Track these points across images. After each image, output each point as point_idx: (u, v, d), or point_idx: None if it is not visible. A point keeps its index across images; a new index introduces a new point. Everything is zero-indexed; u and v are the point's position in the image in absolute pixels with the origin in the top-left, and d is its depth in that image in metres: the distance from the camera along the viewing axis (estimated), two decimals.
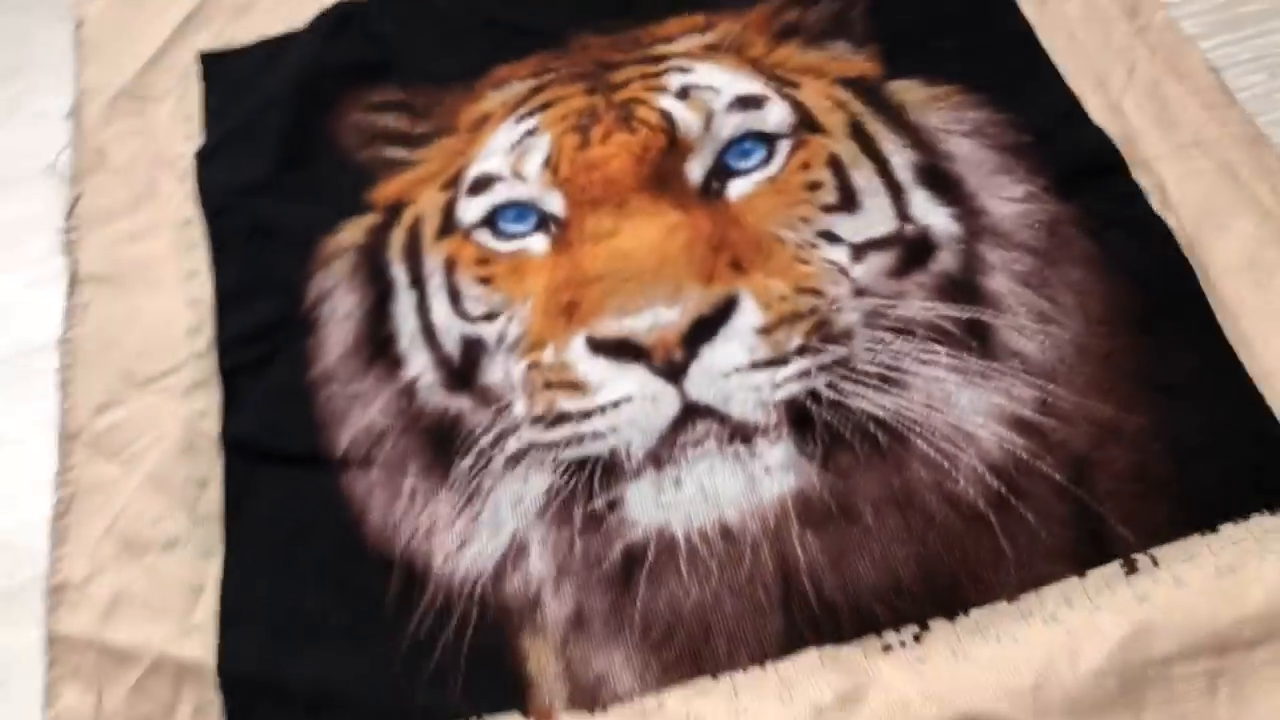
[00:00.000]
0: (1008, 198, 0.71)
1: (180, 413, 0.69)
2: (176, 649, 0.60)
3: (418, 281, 0.73)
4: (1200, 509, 0.59)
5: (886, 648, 0.57)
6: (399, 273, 0.74)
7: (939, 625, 0.58)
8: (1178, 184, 0.71)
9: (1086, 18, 0.80)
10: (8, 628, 0.63)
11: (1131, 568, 0.58)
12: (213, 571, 0.63)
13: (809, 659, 0.57)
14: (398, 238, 0.75)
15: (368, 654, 0.59)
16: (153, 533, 0.64)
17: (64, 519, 0.66)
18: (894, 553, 0.60)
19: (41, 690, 0.60)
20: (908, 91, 0.77)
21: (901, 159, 0.74)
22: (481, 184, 0.76)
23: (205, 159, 0.80)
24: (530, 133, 0.78)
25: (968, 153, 0.74)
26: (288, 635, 0.60)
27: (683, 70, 0.80)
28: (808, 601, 0.59)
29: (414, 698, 0.58)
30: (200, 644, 0.60)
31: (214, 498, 0.66)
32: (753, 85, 0.78)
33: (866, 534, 0.60)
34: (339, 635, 0.60)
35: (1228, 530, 0.59)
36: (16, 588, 0.65)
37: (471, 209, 0.75)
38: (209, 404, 0.69)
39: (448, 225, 0.75)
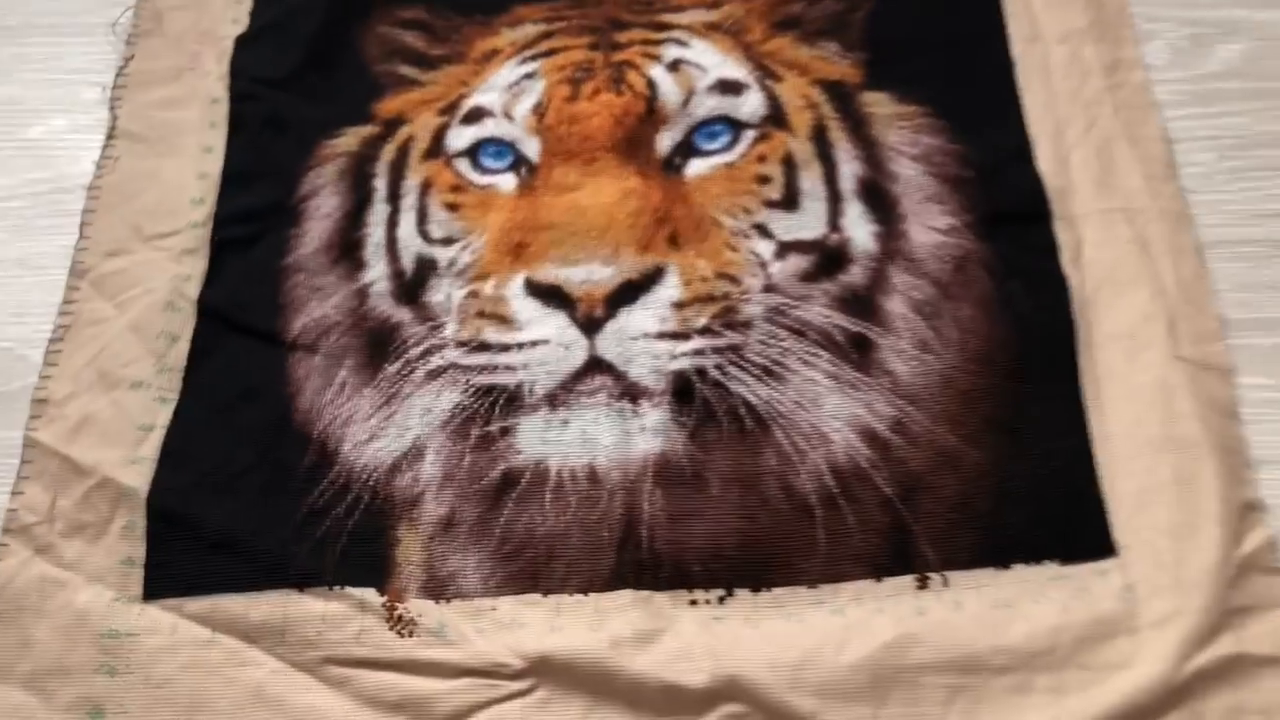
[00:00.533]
0: (932, 227, 0.77)
1: (170, 272, 0.79)
2: (120, 474, 0.71)
3: (394, 197, 0.81)
4: (1001, 546, 0.66)
5: (692, 603, 0.66)
6: (380, 185, 0.82)
7: (742, 594, 0.66)
8: (1094, 245, 0.75)
9: (1067, 64, 0.83)
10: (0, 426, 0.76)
11: (923, 584, 0.66)
12: (164, 416, 0.74)
13: (624, 598, 0.66)
14: (388, 152, 0.83)
15: (271, 512, 0.70)
16: (124, 372, 0.75)
17: (58, 344, 0.77)
18: (724, 524, 0.68)
19: (13, 481, 0.73)
20: (878, 105, 0.82)
21: (850, 169, 0.79)
22: (474, 116, 0.84)
23: (242, 45, 0.89)
24: (529, 76, 0.85)
25: (911, 176, 0.79)
26: (211, 482, 0.71)
27: (680, 43, 0.85)
28: (639, 549, 0.68)
29: (297, 557, 0.68)
30: (139, 474, 0.71)
31: (180, 353, 0.76)
32: (738, 71, 0.84)
33: (707, 502, 0.69)
34: (252, 491, 0.71)
35: (1018, 570, 0.66)
36: (13, 392, 0.76)
37: (460, 138, 0.83)
38: (195, 270, 0.79)
39: (435, 149, 0.83)
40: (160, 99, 0.88)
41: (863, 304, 0.74)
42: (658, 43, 0.85)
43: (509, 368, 0.73)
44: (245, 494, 0.71)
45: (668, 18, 0.87)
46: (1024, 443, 0.69)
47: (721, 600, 0.66)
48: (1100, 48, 0.83)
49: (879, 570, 0.66)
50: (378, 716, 0.64)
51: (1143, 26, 0.84)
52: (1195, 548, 0.64)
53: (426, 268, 0.78)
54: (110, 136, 0.86)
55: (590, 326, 0.74)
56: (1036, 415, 0.70)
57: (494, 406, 0.72)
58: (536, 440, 0.71)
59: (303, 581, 0.67)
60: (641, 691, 0.63)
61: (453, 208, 0.80)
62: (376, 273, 0.79)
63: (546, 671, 0.64)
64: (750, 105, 0.82)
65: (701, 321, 0.73)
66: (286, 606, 0.67)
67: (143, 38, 0.91)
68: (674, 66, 0.84)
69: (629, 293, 0.75)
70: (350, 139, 0.84)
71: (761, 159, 0.80)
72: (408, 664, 0.65)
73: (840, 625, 0.64)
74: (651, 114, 0.81)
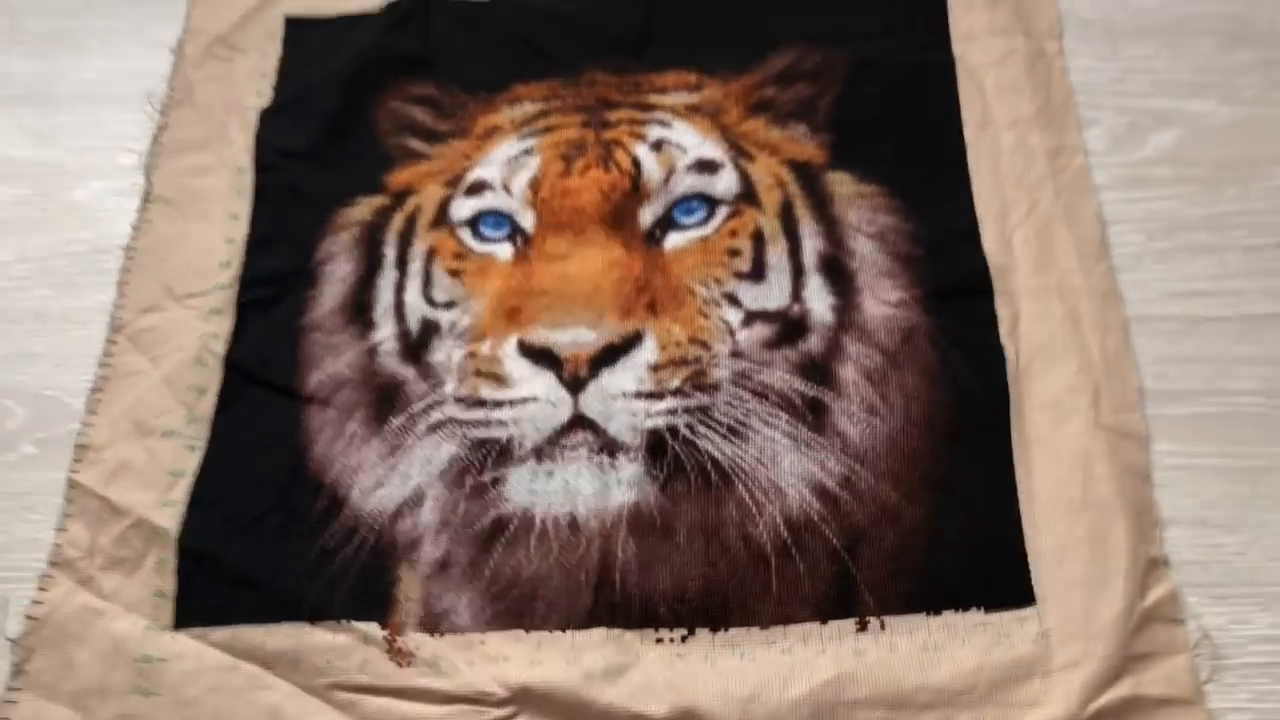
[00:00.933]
0: (884, 300, 0.85)
1: (199, 330, 0.88)
2: (153, 515, 0.80)
3: (402, 263, 0.90)
4: (933, 594, 0.75)
5: (658, 640, 0.74)
6: (389, 252, 0.91)
7: (703, 634, 0.75)
8: (1029, 319, 0.84)
9: (1014, 149, 0.91)
10: (45, 467, 0.84)
11: (863, 627, 0.74)
12: (193, 463, 0.83)
13: (598, 635, 0.75)
14: (397, 221, 0.92)
15: (287, 552, 0.79)
16: (157, 422, 0.84)
17: (98, 394, 0.86)
18: (689, 570, 0.76)
19: (58, 519, 0.82)
20: (841, 184, 0.90)
21: (812, 245, 0.88)
22: (475, 188, 0.93)
23: (266, 118, 0.98)
24: (526, 151, 0.94)
25: (867, 253, 0.87)
26: (234, 524, 0.80)
27: (663, 124, 0.94)
28: (613, 591, 0.76)
29: (310, 593, 0.77)
30: (170, 516, 0.80)
31: (208, 405, 0.85)
32: (715, 151, 0.92)
33: (674, 550, 0.77)
34: (270, 532, 0.80)
35: (948, 616, 0.74)
36: (56, 436, 0.85)
37: (462, 209, 0.92)
38: (221, 329, 0.88)
39: (439, 219, 0.92)
40: (190, 166, 0.97)
41: (819, 370, 0.82)
42: (643, 123, 0.94)
43: (501, 423, 0.82)
44: (264, 535, 0.80)
45: (653, 99, 0.96)
46: (957, 500, 0.78)
47: (684, 639, 0.75)
48: (1046, 134, 0.91)
49: (824, 614, 0.75)
50: None
51: (1086, 114, 0.93)
52: (1104, 599, 0.73)
53: (430, 329, 0.87)
54: (145, 201, 0.95)
55: (575, 385, 0.82)
56: (970, 476, 0.78)
57: (487, 458, 0.81)
58: (524, 490, 0.80)
59: (314, 615, 0.76)
60: None
61: (455, 274, 0.89)
62: (385, 333, 0.87)
63: (527, 700, 0.73)
64: (725, 183, 0.90)
65: (675, 383, 0.82)
66: (300, 637, 0.76)
67: (175, 108, 1.00)
68: (657, 146, 0.92)
69: (610, 355, 0.83)
70: (363, 208, 0.93)
71: (733, 233, 0.88)
72: (405, 691, 0.74)
73: (787, 663, 0.73)
74: (636, 190, 0.90)
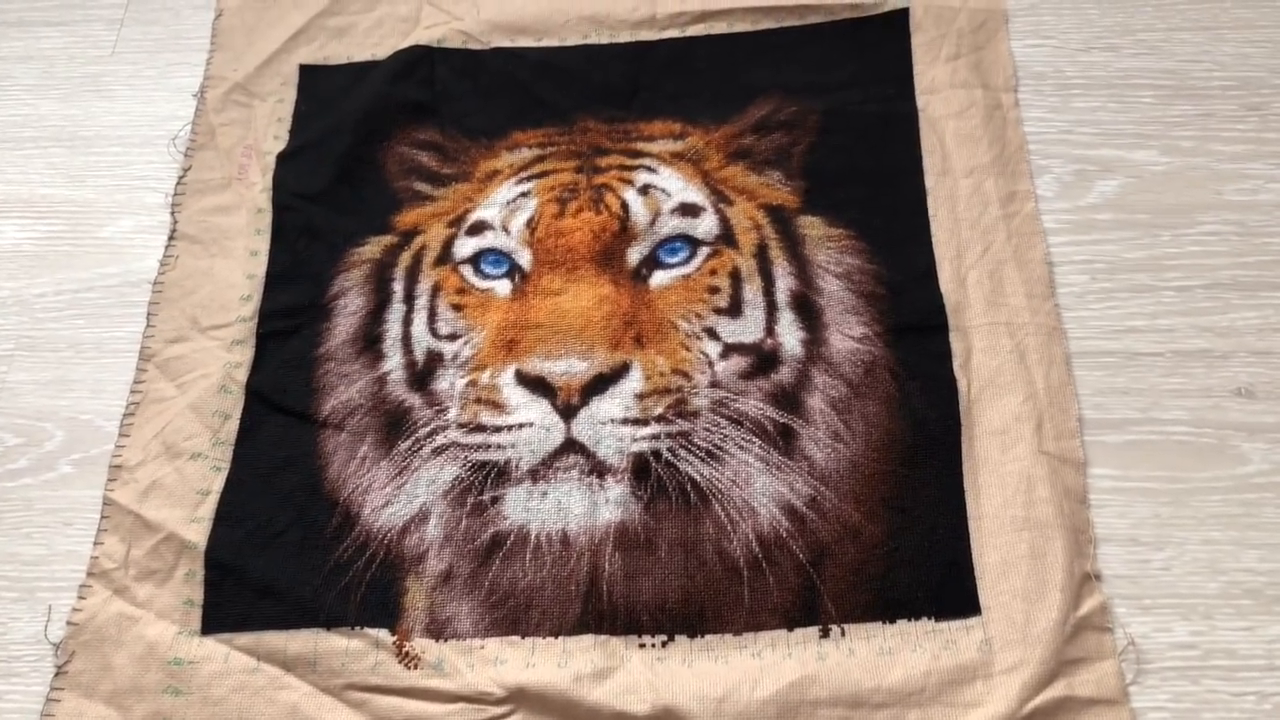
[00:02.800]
0: (848, 335, 0.93)
1: (223, 359, 0.96)
2: (183, 531, 0.88)
3: (409, 298, 0.98)
4: (889, 604, 0.83)
5: (641, 645, 0.82)
6: (398, 287, 0.99)
7: (681, 640, 0.83)
8: (981, 353, 0.92)
9: (970, 195, 0.99)
10: (81, 485, 0.92)
11: (825, 634, 0.82)
12: (218, 482, 0.91)
13: (586, 641, 0.83)
14: (404, 259, 1.00)
15: (304, 565, 0.87)
16: (185, 445, 0.92)
17: (130, 418, 0.94)
18: (669, 582, 0.84)
19: (94, 534, 0.89)
20: (812, 227, 0.98)
21: (784, 284, 0.96)
22: (477, 228, 1.01)
23: (282, 161, 1.06)
24: (524, 195, 1.02)
25: (835, 291, 0.95)
26: (256, 539, 0.88)
27: (650, 170, 1.02)
28: (600, 601, 0.84)
29: (326, 602, 0.85)
30: (198, 531, 0.88)
31: (231, 429, 0.93)
32: (697, 196, 1.00)
33: (656, 564, 0.85)
34: (289, 547, 0.88)
35: (902, 624, 0.82)
36: (92, 457, 0.93)
37: (465, 247, 1.00)
38: (243, 358, 0.96)
39: (444, 256, 1.00)
40: (213, 206, 1.05)
41: (789, 400, 0.90)
42: (632, 169, 1.02)
43: (500, 446, 0.90)
44: (284, 549, 0.88)
45: (641, 146, 1.04)
46: (912, 519, 0.86)
47: (664, 644, 0.83)
48: (1000, 181, 1.00)
49: (791, 622, 0.83)
50: None
51: (1037, 162, 1.01)
52: (1042, 610, 0.81)
53: (434, 360, 0.95)
54: (171, 238, 1.03)
55: (568, 412, 0.90)
56: (924, 497, 0.86)
57: (486, 479, 0.89)
58: (520, 509, 0.88)
59: (330, 622, 0.84)
60: (597, 717, 0.80)
61: (458, 308, 0.97)
62: (394, 363, 0.95)
63: (522, 699, 0.81)
64: (706, 225, 0.99)
65: (658, 410, 0.90)
66: (317, 642, 0.83)
67: (198, 150, 1.08)
68: (644, 190, 1.00)
69: (600, 384, 0.91)
70: (373, 247, 1.01)
71: (713, 272, 0.96)
72: (413, 691, 0.82)
73: (757, 666, 0.81)
74: (624, 231, 0.98)
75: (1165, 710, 0.78)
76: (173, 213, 1.04)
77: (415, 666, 0.82)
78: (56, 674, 0.84)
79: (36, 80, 1.15)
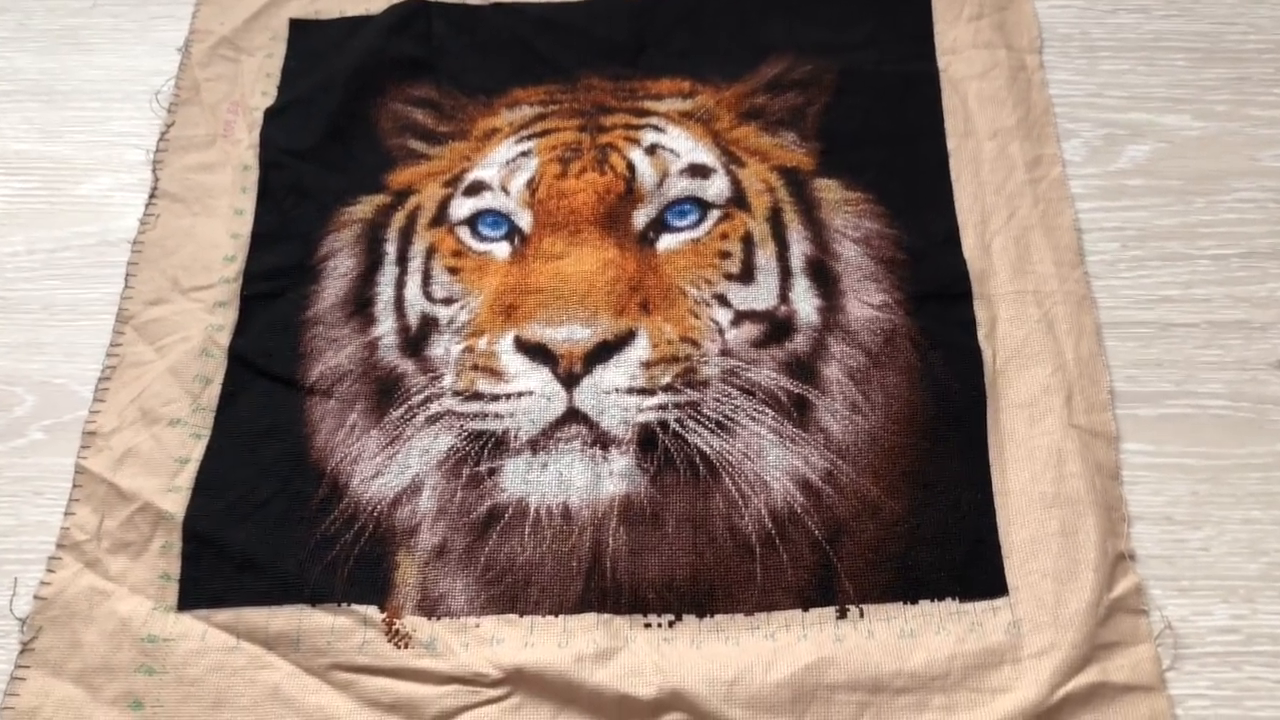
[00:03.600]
0: (867, 303, 0.88)
1: (204, 322, 0.91)
2: (159, 501, 0.83)
3: (402, 260, 0.93)
4: (911, 584, 0.78)
5: (647, 625, 0.77)
6: (390, 249, 0.94)
7: (689, 619, 0.78)
8: (1007, 323, 0.87)
9: (995, 158, 0.94)
10: (53, 453, 0.86)
11: (843, 614, 0.77)
12: (198, 450, 0.85)
13: (589, 620, 0.78)
14: (398, 220, 0.95)
15: (289, 537, 0.81)
16: (163, 410, 0.87)
17: (105, 382, 0.89)
18: (677, 559, 0.79)
19: (65, 504, 0.84)
20: (828, 190, 0.94)
21: (799, 249, 0.91)
22: (474, 189, 0.95)
23: (270, 117, 1.01)
24: (524, 154, 0.97)
25: (852, 257, 0.90)
26: (237, 510, 0.83)
27: (658, 129, 0.97)
28: (604, 578, 0.79)
29: (311, 577, 0.79)
30: (176, 501, 0.83)
31: (212, 394, 0.88)
32: (707, 157, 0.95)
33: (663, 540, 0.80)
34: (272, 519, 0.82)
35: (924, 605, 0.77)
36: (65, 423, 0.88)
37: (461, 208, 0.95)
38: (226, 320, 0.91)
39: (439, 217, 0.95)
40: (197, 163, 0.99)
41: (804, 369, 0.86)
42: (638, 128, 0.97)
43: (498, 415, 0.85)
44: (267, 521, 0.82)
45: (648, 105, 0.99)
46: (935, 495, 0.81)
47: (671, 624, 0.78)
48: (1025, 144, 0.95)
49: (806, 602, 0.78)
50: (376, 715, 0.75)
51: (1064, 125, 0.96)
52: (1073, 591, 0.76)
53: (429, 324, 0.90)
54: (152, 196, 0.97)
55: (570, 381, 0.85)
56: (947, 472, 0.82)
57: (483, 449, 0.84)
58: (519, 481, 0.83)
59: (315, 598, 0.79)
60: (600, 700, 0.75)
61: (453, 271, 0.92)
62: (385, 328, 0.90)
63: (520, 681, 0.76)
64: (716, 188, 0.94)
65: (666, 380, 0.85)
66: (301, 619, 0.78)
67: (182, 106, 1.02)
68: (651, 150, 0.95)
69: (604, 351, 0.86)
70: (365, 207, 0.96)
71: (724, 236, 0.91)
72: (403, 671, 0.76)
73: (770, 648, 0.76)
74: (630, 193, 0.93)
75: (1206, 697, 0.73)
76: (154, 170, 0.99)
77: (406, 645, 0.77)
78: (22, 651, 0.78)
79: (11, 33, 1.09)
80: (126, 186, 0.99)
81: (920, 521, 0.80)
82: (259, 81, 1.04)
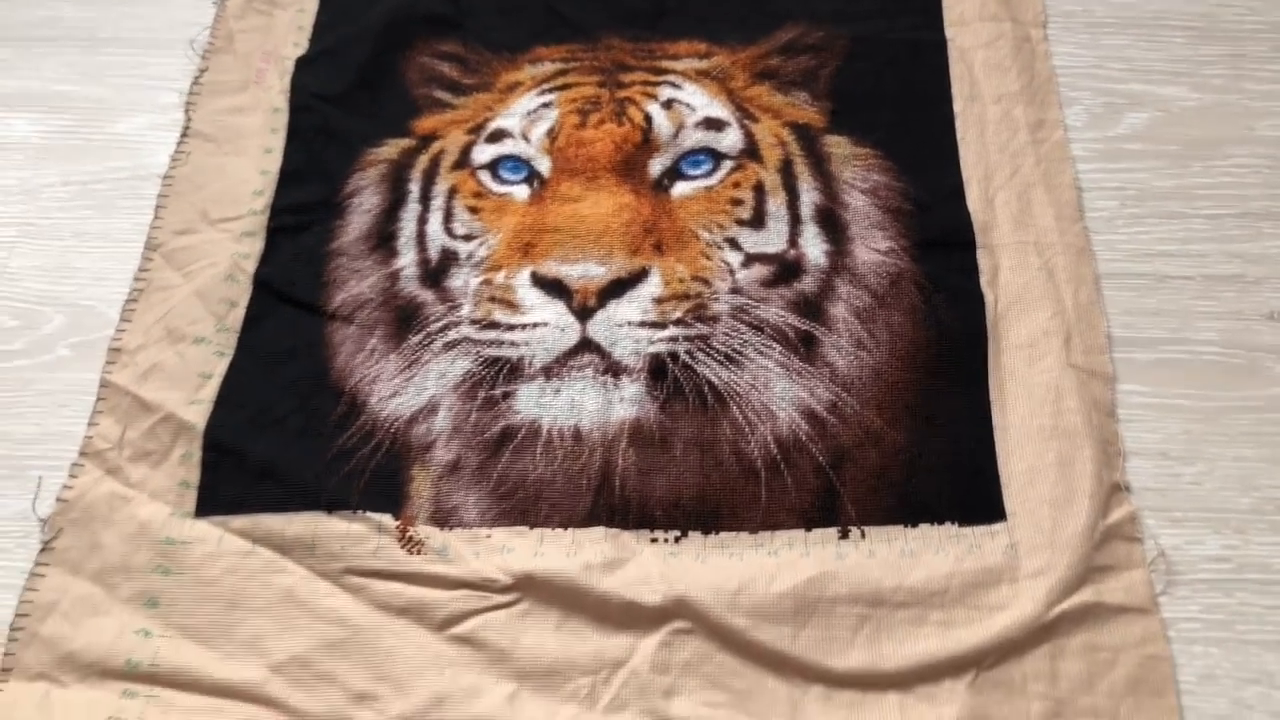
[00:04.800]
0: (874, 248, 0.91)
1: (231, 250, 0.94)
2: (182, 412, 0.85)
3: (425, 198, 0.96)
4: (911, 508, 0.80)
5: (653, 540, 0.80)
6: (414, 188, 0.97)
7: (695, 536, 0.80)
8: (1009, 270, 0.90)
9: (1000, 120, 0.98)
10: (79, 369, 0.89)
11: (845, 535, 0.79)
12: (221, 367, 0.88)
13: (597, 533, 0.80)
14: (422, 162, 0.98)
15: (307, 450, 0.84)
16: (189, 329, 0.89)
17: (132, 304, 0.91)
18: (684, 480, 0.82)
19: (89, 414, 0.86)
20: (838, 146, 0.97)
21: (809, 198, 0.94)
22: (496, 136, 0.99)
23: (302, 65, 1.04)
24: (545, 105, 1.00)
25: (860, 206, 0.93)
26: (257, 423, 0.85)
27: (674, 86, 1.01)
28: (613, 495, 0.81)
29: (328, 486, 0.82)
30: (198, 413, 0.85)
31: (237, 317, 0.90)
32: (721, 112, 0.99)
33: (671, 461, 0.82)
34: (291, 432, 0.85)
35: (924, 528, 0.79)
36: (91, 341, 0.90)
37: (483, 153, 0.98)
38: (253, 250, 0.94)
39: (462, 161, 0.98)
40: (228, 106, 1.03)
41: (812, 308, 0.88)
42: (656, 84, 1.01)
43: (514, 344, 0.87)
44: (286, 434, 0.85)
45: (666, 64, 1.03)
46: (936, 427, 0.83)
47: (677, 540, 0.80)
48: (1029, 109, 0.98)
49: (809, 522, 0.80)
50: (387, 618, 0.77)
51: (1066, 94, 1.00)
52: (1069, 516, 0.78)
53: (449, 258, 0.92)
54: (184, 135, 1.01)
55: (584, 314, 0.88)
56: (948, 406, 0.84)
57: (499, 374, 0.86)
58: (532, 404, 0.85)
59: (331, 505, 0.81)
60: (606, 607, 0.76)
61: (474, 210, 0.95)
62: (407, 260, 0.93)
63: (529, 587, 0.77)
64: (730, 140, 0.97)
65: (677, 314, 0.88)
66: (316, 525, 0.80)
67: (216, 54, 1.06)
68: (668, 105, 0.99)
69: (618, 288, 0.89)
70: (390, 149, 0.99)
71: (736, 185, 0.95)
72: (415, 576, 0.78)
73: (773, 563, 0.78)
74: (646, 143, 0.96)
75: (1197, 621, 0.75)
76: (187, 111, 1.02)
77: (418, 552, 0.79)
78: (43, 549, 0.80)
79: None
80: (160, 126, 1.02)
81: (921, 451, 0.82)
82: (291, 33, 1.07)
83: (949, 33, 1.04)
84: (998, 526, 0.79)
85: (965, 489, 0.81)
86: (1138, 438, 0.82)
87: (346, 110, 1.01)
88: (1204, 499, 0.80)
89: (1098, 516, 0.78)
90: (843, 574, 0.77)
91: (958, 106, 0.99)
